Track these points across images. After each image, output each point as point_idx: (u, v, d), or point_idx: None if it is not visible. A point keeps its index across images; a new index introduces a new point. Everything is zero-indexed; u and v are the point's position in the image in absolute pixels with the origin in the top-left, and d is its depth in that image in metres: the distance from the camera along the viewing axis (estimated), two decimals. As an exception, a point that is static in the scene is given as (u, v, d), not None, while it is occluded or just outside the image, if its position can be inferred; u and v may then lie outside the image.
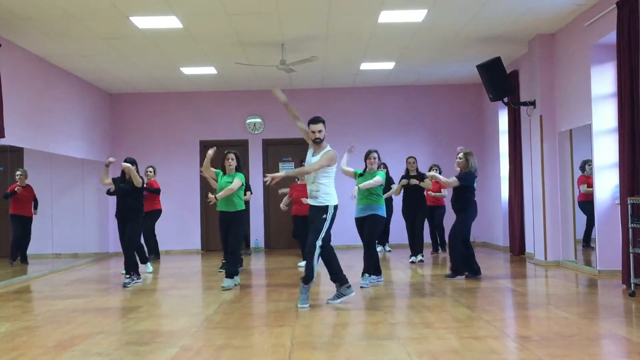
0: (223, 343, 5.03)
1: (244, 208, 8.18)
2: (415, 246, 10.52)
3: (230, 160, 8.05)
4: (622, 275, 7.51)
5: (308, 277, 6.54)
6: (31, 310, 7.00)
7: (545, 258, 9.86)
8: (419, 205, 10.48)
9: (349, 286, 6.80)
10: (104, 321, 6.12)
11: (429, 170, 10.85)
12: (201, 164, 13.76)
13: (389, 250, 12.53)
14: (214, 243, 13.67)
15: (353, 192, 8.06)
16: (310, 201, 6.72)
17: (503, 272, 9.34)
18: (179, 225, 13.70)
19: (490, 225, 13.41)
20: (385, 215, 8.02)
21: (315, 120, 6.90)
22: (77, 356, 4.71)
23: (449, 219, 10.00)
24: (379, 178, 7.86)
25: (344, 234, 12.46)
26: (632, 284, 6.81)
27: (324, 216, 6.58)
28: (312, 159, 6.80)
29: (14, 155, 10.01)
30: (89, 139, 12.65)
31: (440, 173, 10.75)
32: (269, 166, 13.96)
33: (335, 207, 6.67)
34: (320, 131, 6.84)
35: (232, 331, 5.49)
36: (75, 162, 12.01)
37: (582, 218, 10.79)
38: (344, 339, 5.19)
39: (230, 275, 8.01)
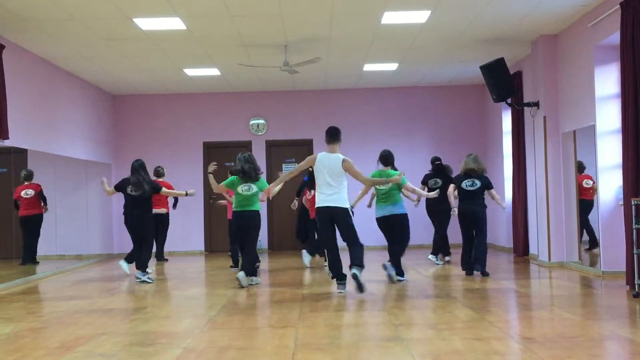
0: (226, 344, 5.03)
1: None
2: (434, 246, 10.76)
3: None
4: (626, 276, 7.49)
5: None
6: (35, 311, 7.00)
7: (549, 259, 9.84)
8: (439, 207, 10.42)
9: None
10: (108, 322, 6.13)
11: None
12: (204, 166, 13.88)
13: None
14: (217, 244, 13.69)
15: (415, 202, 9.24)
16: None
17: (506, 273, 9.32)
18: (182, 226, 13.70)
19: (493, 226, 13.38)
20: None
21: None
22: (81, 357, 4.72)
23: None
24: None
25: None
26: (636, 285, 6.78)
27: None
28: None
29: (18, 157, 10.03)
30: (92, 141, 12.67)
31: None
32: (272, 167, 13.96)
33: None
34: None
35: (236, 332, 5.49)
36: (79, 163, 12.03)
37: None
38: (348, 340, 5.18)
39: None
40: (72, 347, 5.01)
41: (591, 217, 11.14)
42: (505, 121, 12.63)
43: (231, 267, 10.48)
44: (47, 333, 5.70)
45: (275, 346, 4.91)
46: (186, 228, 13.82)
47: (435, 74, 12.74)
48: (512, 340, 5.07)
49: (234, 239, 9.71)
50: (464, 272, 8.94)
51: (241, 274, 8.08)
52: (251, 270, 8.28)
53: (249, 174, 8.16)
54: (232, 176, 8.31)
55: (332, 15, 8.70)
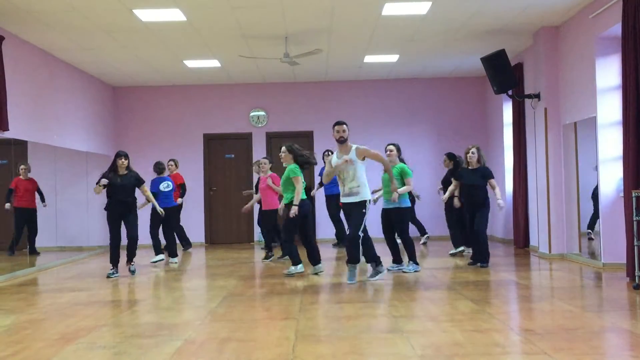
0: (227, 336, 5.04)
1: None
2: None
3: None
4: (626, 268, 7.49)
5: (356, 259, 7.50)
6: (35, 303, 7.02)
7: (550, 251, 9.85)
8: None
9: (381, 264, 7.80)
10: (108, 314, 6.14)
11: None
12: (204, 158, 13.89)
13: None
14: (217, 236, 13.70)
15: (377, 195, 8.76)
16: (350, 199, 7.52)
17: (507, 265, 9.33)
18: (183, 218, 13.65)
19: (494, 218, 13.38)
20: (409, 205, 8.47)
21: (339, 122, 7.70)
22: (81, 349, 4.72)
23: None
24: (409, 180, 8.35)
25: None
26: (636, 277, 6.79)
27: (363, 210, 7.47)
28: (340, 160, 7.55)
29: (18, 149, 10.02)
30: (92, 132, 12.65)
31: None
32: (273, 159, 13.93)
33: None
34: (344, 131, 7.63)
35: (236, 324, 5.50)
36: (79, 155, 12.02)
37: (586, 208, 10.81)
38: (348, 331, 5.18)
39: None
40: (73, 339, 5.01)
41: (589, 210, 11.18)
42: (506, 113, 12.60)
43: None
44: (47, 325, 5.70)
45: (276, 338, 4.92)
46: (187, 220, 13.79)
47: (436, 65, 12.71)
48: (512, 332, 5.07)
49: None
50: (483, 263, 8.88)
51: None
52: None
53: None
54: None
55: (333, 7, 8.68)
